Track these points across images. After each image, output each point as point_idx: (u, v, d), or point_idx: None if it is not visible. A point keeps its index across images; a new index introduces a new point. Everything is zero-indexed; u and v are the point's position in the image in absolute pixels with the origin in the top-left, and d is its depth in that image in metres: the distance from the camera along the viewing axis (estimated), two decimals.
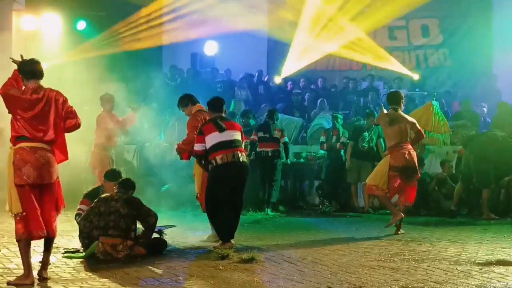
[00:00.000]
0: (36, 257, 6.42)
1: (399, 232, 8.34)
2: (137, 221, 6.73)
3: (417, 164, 8.61)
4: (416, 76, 15.72)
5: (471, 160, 10.41)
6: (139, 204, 6.71)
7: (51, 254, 6.55)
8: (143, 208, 6.72)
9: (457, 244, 7.53)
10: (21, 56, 5.62)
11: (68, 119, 5.55)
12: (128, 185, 6.93)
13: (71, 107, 5.60)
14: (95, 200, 6.81)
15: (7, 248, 6.95)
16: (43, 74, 5.53)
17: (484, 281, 5.54)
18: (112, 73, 11.84)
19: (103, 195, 6.83)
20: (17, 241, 5.46)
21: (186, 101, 8.11)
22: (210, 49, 17.36)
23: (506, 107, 12.67)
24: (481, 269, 6.03)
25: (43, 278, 5.49)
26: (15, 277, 5.50)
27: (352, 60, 17.23)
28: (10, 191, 5.38)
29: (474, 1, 16.69)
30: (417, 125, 8.69)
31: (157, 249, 6.77)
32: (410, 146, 8.53)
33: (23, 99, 5.36)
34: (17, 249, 6.81)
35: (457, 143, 11.89)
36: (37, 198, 5.42)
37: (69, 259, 6.42)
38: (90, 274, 5.78)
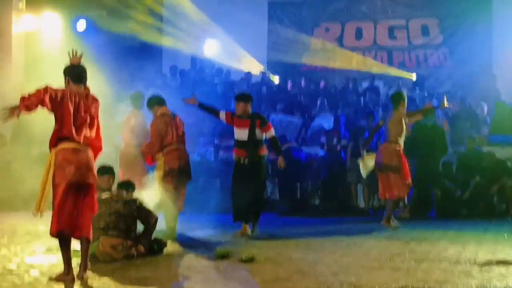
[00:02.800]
0: (36, 257, 6.44)
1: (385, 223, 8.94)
2: (137, 222, 6.73)
3: (391, 162, 8.82)
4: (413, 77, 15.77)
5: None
6: (139, 205, 6.71)
7: (52, 254, 6.60)
8: (143, 209, 6.72)
9: (457, 244, 7.52)
10: (75, 54, 5.75)
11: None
12: (128, 185, 6.93)
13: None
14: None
15: (7, 248, 6.94)
16: (86, 80, 5.69)
17: (484, 281, 5.54)
18: (112, 73, 11.83)
19: (103, 196, 6.82)
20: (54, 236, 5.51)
21: (153, 102, 8.18)
22: (210, 49, 17.35)
23: (504, 107, 12.69)
24: (481, 269, 6.03)
25: (81, 279, 5.49)
26: (55, 275, 5.53)
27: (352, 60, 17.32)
28: (41, 191, 5.39)
29: (474, 1, 16.71)
30: (394, 123, 8.89)
31: (157, 249, 6.77)
32: (388, 145, 8.92)
33: (70, 104, 5.45)
34: (17, 249, 6.87)
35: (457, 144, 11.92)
36: (74, 199, 5.48)
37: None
38: (90, 274, 5.76)
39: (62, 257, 5.49)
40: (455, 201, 10.69)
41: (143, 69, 14.50)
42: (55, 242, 6.97)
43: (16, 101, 5.21)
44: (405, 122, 8.97)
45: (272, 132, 8.21)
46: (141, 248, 6.59)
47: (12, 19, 13.15)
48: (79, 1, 14.39)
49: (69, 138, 5.45)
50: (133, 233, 6.63)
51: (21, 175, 10.70)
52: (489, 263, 6.34)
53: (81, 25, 14.33)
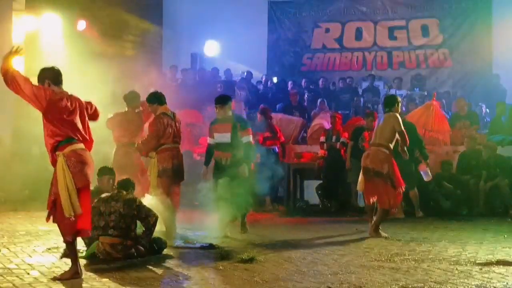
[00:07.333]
0: (36, 257, 6.43)
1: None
2: (137, 221, 6.73)
3: (377, 166, 8.17)
4: None
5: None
6: (139, 204, 6.71)
7: (51, 254, 6.60)
8: (143, 208, 6.72)
9: (457, 244, 7.53)
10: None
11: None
12: (128, 185, 6.92)
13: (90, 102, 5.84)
14: (95, 200, 6.80)
15: (7, 248, 6.94)
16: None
17: (484, 281, 5.55)
18: (112, 73, 11.82)
19: (103, 195, 6.82)
20: (66, 241, 5.58)
21: (154, 99, 8.14)
22: (210, 49, 17.37)
23: (503, 108, 12.68)
24: (481, 269, 6.03)
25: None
26: (62, 273, 5.57)
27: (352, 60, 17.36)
28: (63, 195, 5.38)
29: (474, 1, 16.73)
30: (384, 126, 8.36)
31: (157, 249, 6.77)
32: (375, 148, 8.30)
33: (65, 104, 5.46)
34: (17, 249, 6.86)
35: (457, 143, 11.92)
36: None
37: (69, 259, 6.40)
38: (90, 274, 5.76)
39: (74, 256, 5.53)
40: (455, 201, 10.69)
41: (143, 68, 14.51)
42: (54, 243, 7.03)
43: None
44: (395, 126, 8.26)
45: (249, 137, 8.26)
46: (141, 248, 6.59)
47: (12, 19, 13.14)
48: (79, 1, 14.38)
49: (72, 139, 5.45)
50: (133, 233, 6.63)
51: (21, 175, 10.72)
52: (489, 263, 6.34)
53: (81, 25, 14.32)
